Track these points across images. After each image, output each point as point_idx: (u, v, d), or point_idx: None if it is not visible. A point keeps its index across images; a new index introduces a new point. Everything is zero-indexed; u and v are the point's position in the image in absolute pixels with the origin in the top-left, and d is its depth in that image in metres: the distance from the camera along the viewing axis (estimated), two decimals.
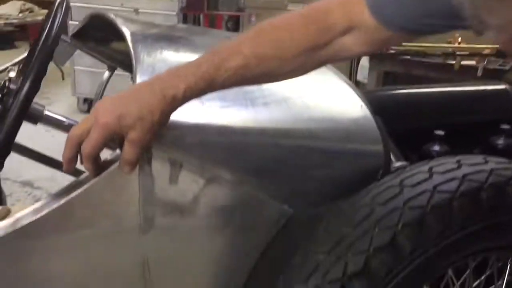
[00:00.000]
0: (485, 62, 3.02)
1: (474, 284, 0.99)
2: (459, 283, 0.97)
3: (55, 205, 0.77)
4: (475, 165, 0.89)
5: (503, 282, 1.00)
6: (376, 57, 3.38)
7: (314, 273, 0.83)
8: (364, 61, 3.39)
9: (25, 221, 0.76)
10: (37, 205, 0.79)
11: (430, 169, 0.89)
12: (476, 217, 0.84)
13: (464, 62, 3.11)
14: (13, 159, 0.92)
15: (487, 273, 1.00)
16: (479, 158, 0.91)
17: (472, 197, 0.84)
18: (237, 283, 0.92)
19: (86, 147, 0.72)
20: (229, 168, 0.88)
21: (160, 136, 0.79)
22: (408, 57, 3.34)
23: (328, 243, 0.85)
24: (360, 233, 0.83)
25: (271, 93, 0.95)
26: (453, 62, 3.14)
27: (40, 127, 1.09)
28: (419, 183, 0.86)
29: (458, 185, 0.84)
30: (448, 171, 0.88)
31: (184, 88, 0.74)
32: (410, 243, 0.81)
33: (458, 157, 0.92)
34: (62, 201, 0.77)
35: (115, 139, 0.74)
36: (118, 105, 0.73)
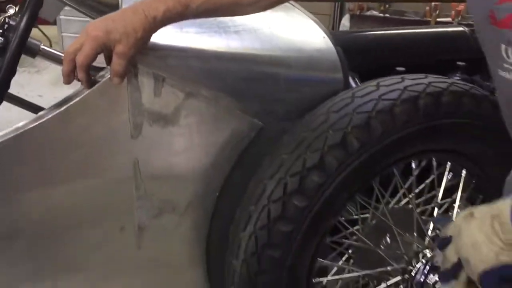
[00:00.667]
0: (460, 18, 3.15)
1: (418, 189, 1.15)
2: (406, 185, 1.13)
3: (55, 112, 0.91)
4: (415, 79, 1.03)
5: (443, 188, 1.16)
6: (356, 17, 3.51)
7: (279, 170, 0.98)
8: (345, 21, 3.51)
9: (28, 126, 0.90)
10: (39, 114, 0.93)
11: (378, 83, 1.04)
12: (414, 120, 0.99)
13: (440, 19, 3.25)
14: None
15: (430, 178, 1.16)
16: (420, 75, 1.06)
17: (411, 103, 0.99)
18: (214, 187, 1.08)
19: (80, 58, 0.85)
20: (205, 87, 1.01)
21: (145, 54, 0.93)
22: (388, 15, 3.48)
23: (290, 146, 1.00)
24: (317, 135, 0.98)
25: (242, 23, 1.09)
26: (430, 19, 3.27)
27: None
28: (367, 94, 1.01)
29: (399, 94, 0.99)
30: (393, 84, 1.02)
31: (163, 10, 0.87)
32: (358, 141, 0.96)
33: (402, 75, 1.06)
34: (61, 109, 0.91)
35: (104, 53, 0.87)
36: (106, 23, 0.86)
